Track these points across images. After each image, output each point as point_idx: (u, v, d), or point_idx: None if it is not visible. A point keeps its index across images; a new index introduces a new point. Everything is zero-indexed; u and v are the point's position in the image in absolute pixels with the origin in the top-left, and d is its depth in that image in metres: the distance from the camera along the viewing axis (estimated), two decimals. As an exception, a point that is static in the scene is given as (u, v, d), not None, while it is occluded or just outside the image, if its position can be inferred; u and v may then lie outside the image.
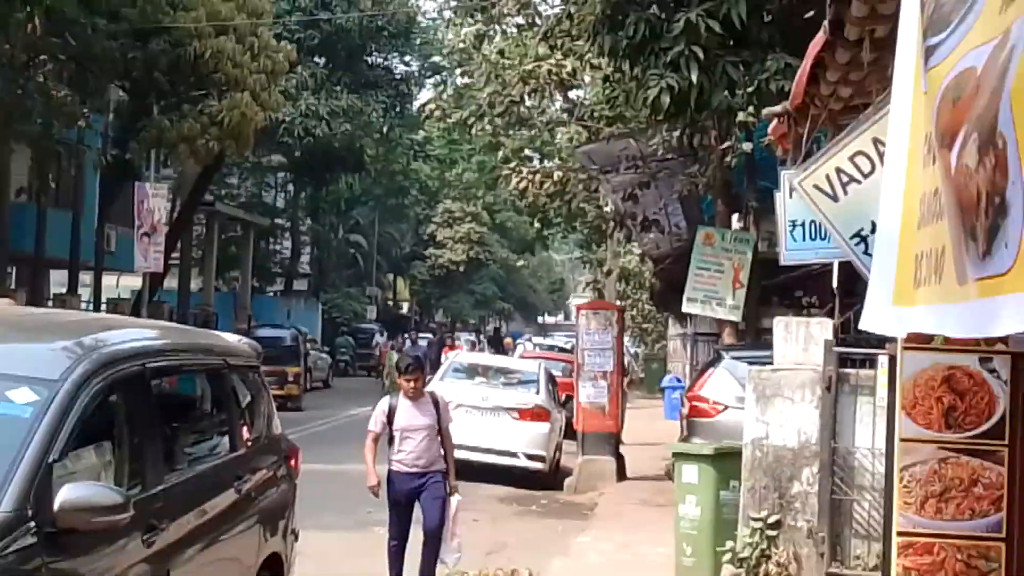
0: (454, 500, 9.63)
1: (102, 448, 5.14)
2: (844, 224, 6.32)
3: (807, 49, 5.86)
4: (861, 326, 3.57)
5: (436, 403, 9.81)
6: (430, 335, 44.86)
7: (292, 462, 7.54)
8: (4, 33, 20.95)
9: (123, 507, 4.62)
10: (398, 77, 46.87)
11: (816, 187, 6.54)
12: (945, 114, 2.44)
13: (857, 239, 6.18)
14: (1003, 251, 2.05)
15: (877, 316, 3.33)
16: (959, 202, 2.32)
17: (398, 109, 44.87)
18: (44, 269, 30.07)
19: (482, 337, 57.49)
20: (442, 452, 9.74)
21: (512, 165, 21.67)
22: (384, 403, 9.80)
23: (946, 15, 2.53)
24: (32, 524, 4.35)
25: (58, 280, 32.78)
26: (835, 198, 6.43)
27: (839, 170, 6.38)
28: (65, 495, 4.45)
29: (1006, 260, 2.04)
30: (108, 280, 34.11)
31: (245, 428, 6.85)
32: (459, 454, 17.25)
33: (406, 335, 28.85)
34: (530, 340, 50.79)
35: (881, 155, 5.27)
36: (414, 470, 9.51)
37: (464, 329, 65.50)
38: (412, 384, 9.62)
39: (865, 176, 5.95)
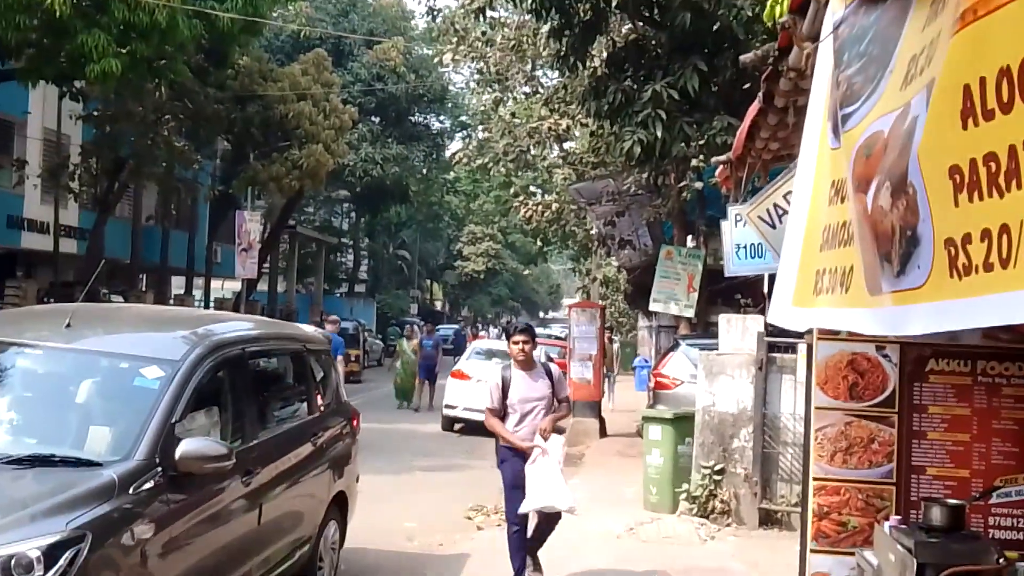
0: (559, 439, 6.74)
1: (212, 412, 5.14)
2: (779, 245, 6.33)
3: (745, 111, 5.83)
4: (767, 320, 3.44)
5: (550, 373, 6.84)
6: (456, 326, 44.46)
7: (355, 422, 7.48)
8: (139, 98, 21.00)
9: (228, 456, 4.63)
10: (434, 132, 46.69)
11: (759, 217, 6.65)
12: (860, 166, 2.44)
13: (787, 258, 6.21)
14: (916, 271, 2.06)
15: (781, 314, 3.32)
16: (875, 234, 2.32)
17: (434, 156, 44.80)
18: (167, 276, 30.11)
19: (498, 327, 57.49)
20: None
21: (520, 198, 21.80)
22: (496, 376, 6.89)
23: (857, 91, 2.54)
24: (159, 469, 4.37)
25: (177, 284, 32.81)
26: (773, 226, 6.55)
27: (776, 205, 6.51)
28: (184, 447, 4.46)
29: (919, 278, 2.06)
30: (215, 284, 34.13)
31: (319, 396, 6.79)
32: (479, 416, 17.11)
33: (422, 325, 26.14)
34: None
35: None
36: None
37: (484, 322, 65.43)
38: (520, 347, 6.65)
39: (793, 210, 6.01)
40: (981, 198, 1.79)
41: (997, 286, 1.74)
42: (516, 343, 6.71)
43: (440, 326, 32.52)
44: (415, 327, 25.56)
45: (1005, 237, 1.72)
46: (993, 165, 1.75)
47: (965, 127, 1.84)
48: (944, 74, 1.92)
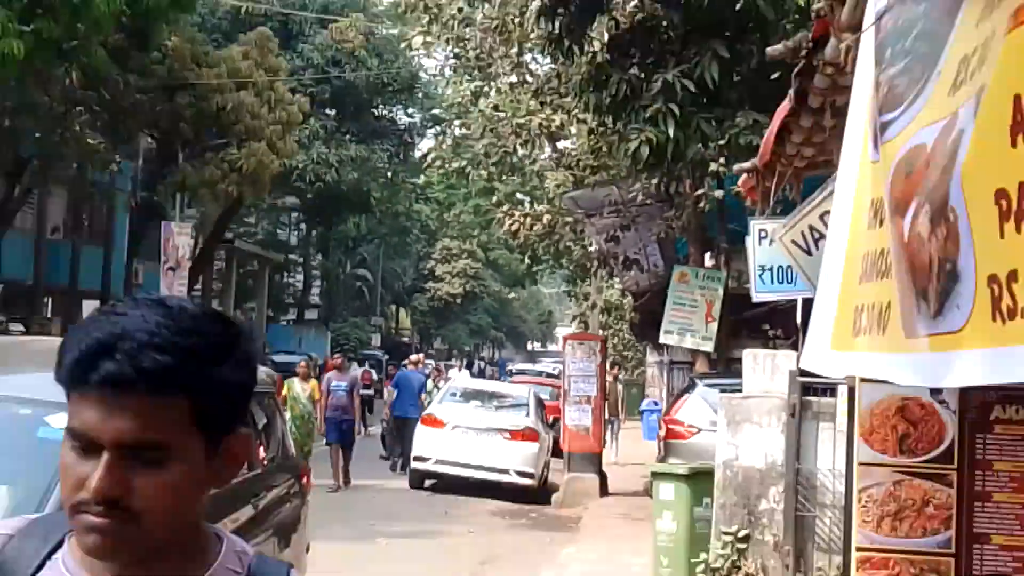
0: None
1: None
2: (816, 275, 6.52)
3: (773, 107, 5.84)
4: (801, 365, 3.50)
5: None
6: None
7: (305, 480, 7.46)
8: (44, 86, 21.01)
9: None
10: (402, 128, 47.10)
11: (794, 242, 6.76)
12: (898, 185, 2.46)
13: (827, 289, 6.32)
14: (955, 312, 2.08)
15: (816, 358, 3.33)
16: (911, 266, 2.34)
17: (401, 157, 45.19)
18: (78, 300, 30.02)
19: (478, 362, 57.45)
20: None
21: (505, 208, 21.71)
22: None
23: (899, 95, 2.55)
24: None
25: (90, 310, 32.46)
26: (808, 251, 6.65)
27: (811, 227, 6.60)
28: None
29: (958, 320, 2.07)
30: (136, 311, 33.81)
31: (261, 448, 6.69)
32: (455, 471, 17.42)
33: (334, 358, 22.12)
34: (456, 367, 43.01)
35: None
36: None
37: (463, 356, 64.97)
38: None
39: (832, 234, 6.13)
40: (1031, 228, 1.74)
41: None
42: None
43: (406, 362, 28.66)
44: (308, 362, 19.95)
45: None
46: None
47: (1014, 144, 1.83)
48: (994, 81, 1.93)
